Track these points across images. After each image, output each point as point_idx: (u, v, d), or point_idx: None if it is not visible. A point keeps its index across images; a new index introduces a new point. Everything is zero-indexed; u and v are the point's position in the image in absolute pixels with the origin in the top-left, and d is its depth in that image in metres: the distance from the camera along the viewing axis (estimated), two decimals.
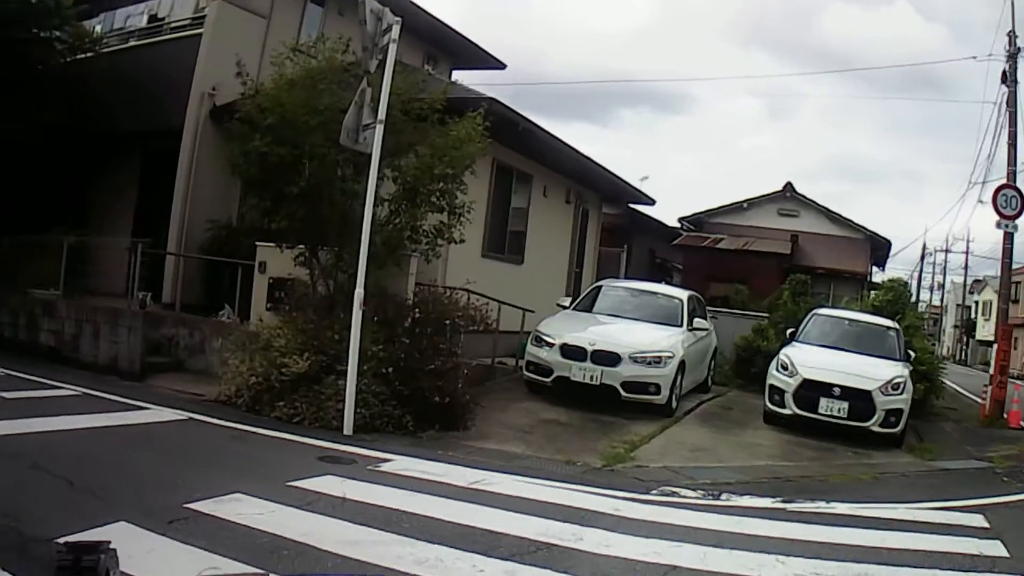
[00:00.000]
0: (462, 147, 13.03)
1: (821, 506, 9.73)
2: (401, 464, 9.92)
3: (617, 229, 28.03)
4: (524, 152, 18.66)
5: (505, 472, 9.99)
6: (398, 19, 11.52)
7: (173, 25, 20.30)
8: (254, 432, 11.03)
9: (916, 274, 65.23)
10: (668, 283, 22.79)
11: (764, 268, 28.11)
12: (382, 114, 11.45)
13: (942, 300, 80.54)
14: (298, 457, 9.92)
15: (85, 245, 17.56)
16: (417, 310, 12.85)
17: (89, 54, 20.47)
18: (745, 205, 31.79)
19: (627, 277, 25.03)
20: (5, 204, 18.62)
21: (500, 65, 26.94)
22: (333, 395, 11.63)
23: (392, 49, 11.51)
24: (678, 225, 32.86)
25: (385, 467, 9.75)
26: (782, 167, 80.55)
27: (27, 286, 17.75)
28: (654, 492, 9.74)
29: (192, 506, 7.26)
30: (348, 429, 11.19)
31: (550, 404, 14.15)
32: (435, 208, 13.36)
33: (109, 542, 2.00)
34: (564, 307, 16.65)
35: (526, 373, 14.94)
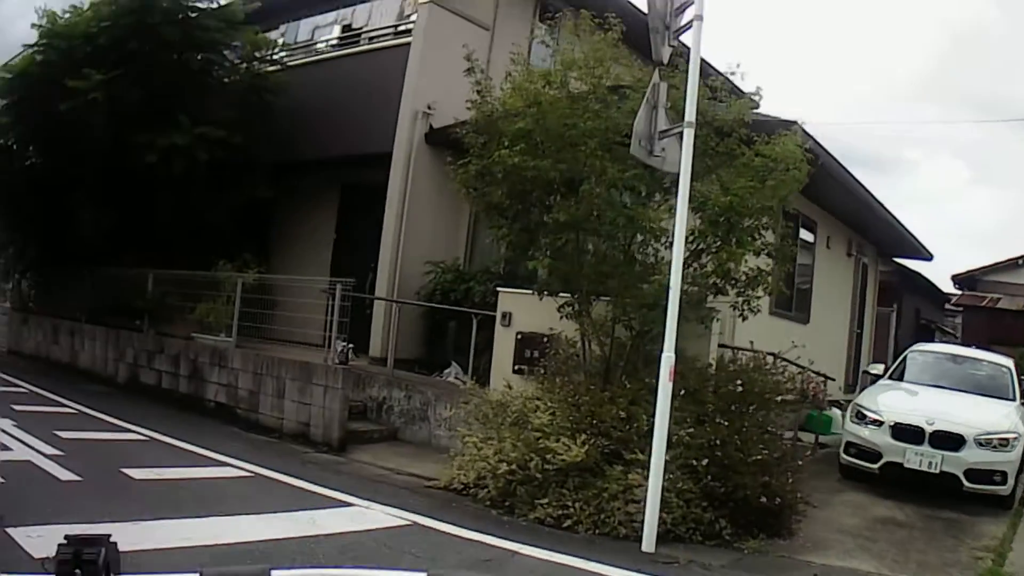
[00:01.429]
0: (787, 172, 10.16)
1: None
2: None
3: (886, 287, 25.86)
4: (810, 193, 15.67)
5: None
6: None
7: (372, 35, 18.24)
8: (514, 551, 8.06)
9: None
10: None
11: None
12: (691, 114, 8.69)
13: None
14: None
15: (266, 284, 15.20)
16: (739, 381, 9.94)
17: (270, 67, 18.95)
18: (1020, 262, 29.39)
19: (898, 339, 23.27)
20: (166, 234, 17.14)
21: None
22: (620, 493, 8.99)
23: (698, 28, 8.83)
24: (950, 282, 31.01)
25: None
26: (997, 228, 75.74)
27: (191, 330, 15.77)
28: None
29: None
30: (649, 544, 8.39)
31: (874, 495, 11.91)
32: (753, 249, 10.46)
33: (110, 535, 1.85)
34: (874, 375, 14.84)
35: (845, 456, 12.66)
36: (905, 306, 27.95)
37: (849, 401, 14.40)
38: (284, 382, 13.37)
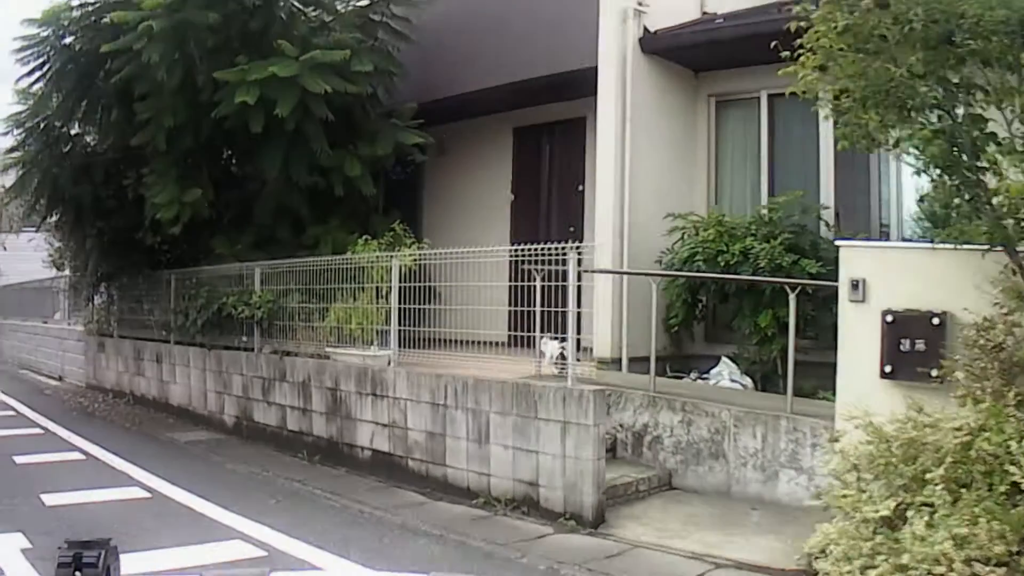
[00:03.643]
0: None
1: None
2: None
3: None
4: None
5: None
6: None
7: None
8: None
9: None
10: None
11: None
12: None
13: None
14: None
15: (424, 265, 11.08)
16: None
17: None
18: None
19: None
20: (274, 210, 14.72)
21: None
22: None
23: None
24: None
25: None
26: None
27: (324, 343, 12.01)
28: None
29: None
30: None
31: None
32: None
33: (110, 539, 1.81)
34: None
35: None
36: None
37: None
38: (486, 417, 9.33)
